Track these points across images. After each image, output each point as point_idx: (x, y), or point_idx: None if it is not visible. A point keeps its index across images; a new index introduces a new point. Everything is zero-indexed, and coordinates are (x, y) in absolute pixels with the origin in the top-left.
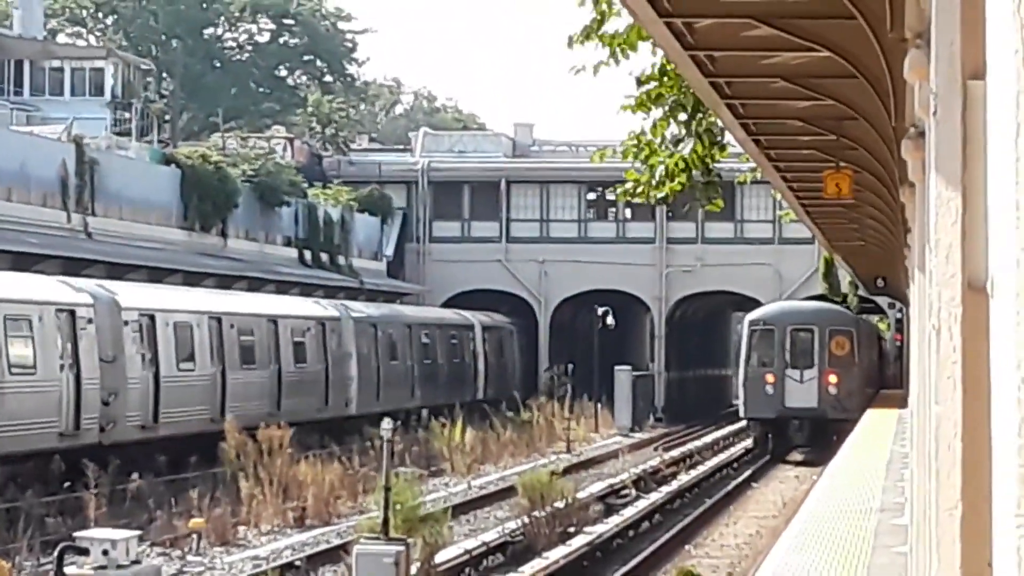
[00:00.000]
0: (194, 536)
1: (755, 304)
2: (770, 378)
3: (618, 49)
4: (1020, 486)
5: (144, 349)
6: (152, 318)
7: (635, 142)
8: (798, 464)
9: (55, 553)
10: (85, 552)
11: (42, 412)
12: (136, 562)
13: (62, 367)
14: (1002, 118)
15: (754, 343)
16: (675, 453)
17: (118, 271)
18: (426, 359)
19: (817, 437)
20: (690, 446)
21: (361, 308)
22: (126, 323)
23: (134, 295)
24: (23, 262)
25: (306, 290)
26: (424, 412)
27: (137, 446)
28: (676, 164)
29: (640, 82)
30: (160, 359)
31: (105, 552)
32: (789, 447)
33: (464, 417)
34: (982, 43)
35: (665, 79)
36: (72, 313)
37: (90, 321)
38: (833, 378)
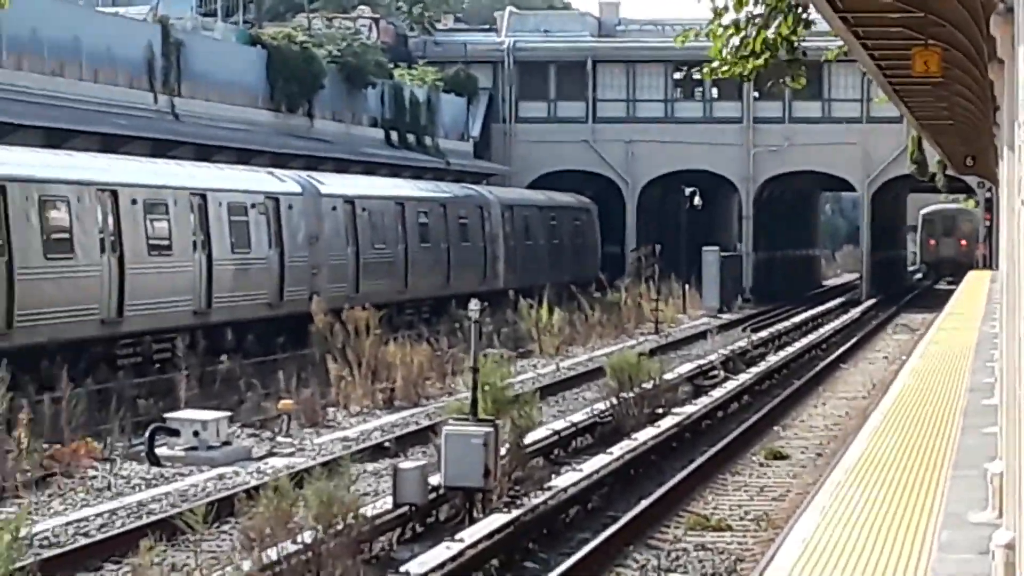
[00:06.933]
0: (284, 417)
1: (843, 183)
2: (932, 242)
3: None
4: None
5: None
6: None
7: (719, 23)
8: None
9: (146, 434)
10: (176, 433)
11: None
12: (227, 443)
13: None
14: None
15: (924, 225)
16: (763, 334)
17: (205, 152)
18: (424, 242)
19: (955, 272)
20: (778, 327)
21: (336, 183)
22: None
23: None
24: (112, 143)
25: (393, 171)
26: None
27: None
28: (761, 38)
29: None
30: (14, 247)
31: (196, 433)
32: (942, 274)
33: (479, 309)
34: None
35: None
36: None
37: None
38: (963, 242)
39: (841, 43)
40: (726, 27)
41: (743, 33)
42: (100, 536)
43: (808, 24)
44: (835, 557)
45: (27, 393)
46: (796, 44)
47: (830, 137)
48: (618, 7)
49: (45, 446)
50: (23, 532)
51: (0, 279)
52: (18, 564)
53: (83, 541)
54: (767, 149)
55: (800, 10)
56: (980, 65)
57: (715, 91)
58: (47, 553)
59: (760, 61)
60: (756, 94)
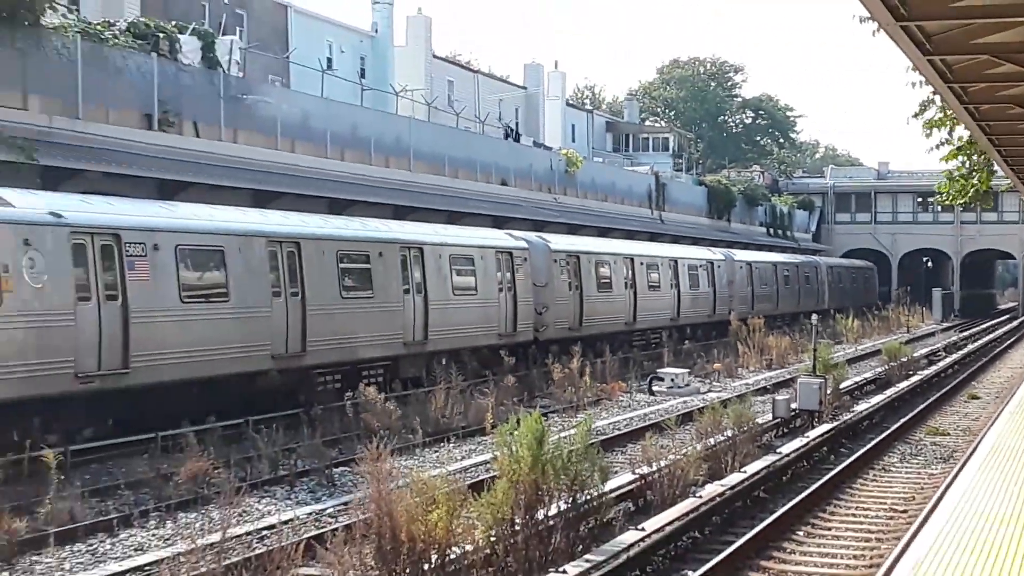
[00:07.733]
0: (716, 372)
1: (1008, 255)
2: None
3: (945, 127)
4: None
5: (570, 278)
6: (577, 258)
7: (949, 179)
8: None
9: (648, 379)
10: (662, 379)
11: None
12: (687, 385)
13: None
14: None
15: None
16: (965, 334)
17: (677, 239)
18: (786, 284)
19: None
20: (973, 330)
21: (742, 255)
22: (554, 261)
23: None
24: (632, 235)
25: (771, 249)
26: (785, 316)
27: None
28: (970, 185)
29: (952, 146)
30: (583, 285)
31: (672, 379)
32: None
33: (816, 319)
34: None
35: (968, 143)
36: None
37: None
38: None
39: (1009, 181)
40: (949, 178)
41: (959, 184)
42: (626, 430)
43: (992, 174)
44: (1010, 451)
45: (590, 358)
46: (988, 187)
47: (1001, 231)
48: (888, 164)
49: (598, 384)
50: (590, 426)
51: (576, 302)
52: (589, 442)
53: (616, 433)
54: (967, 237)
55: (991, 165)
56: None
57: (939, 208)
58: (600, 438)
59: (968, 195)
60: (961, 208)
